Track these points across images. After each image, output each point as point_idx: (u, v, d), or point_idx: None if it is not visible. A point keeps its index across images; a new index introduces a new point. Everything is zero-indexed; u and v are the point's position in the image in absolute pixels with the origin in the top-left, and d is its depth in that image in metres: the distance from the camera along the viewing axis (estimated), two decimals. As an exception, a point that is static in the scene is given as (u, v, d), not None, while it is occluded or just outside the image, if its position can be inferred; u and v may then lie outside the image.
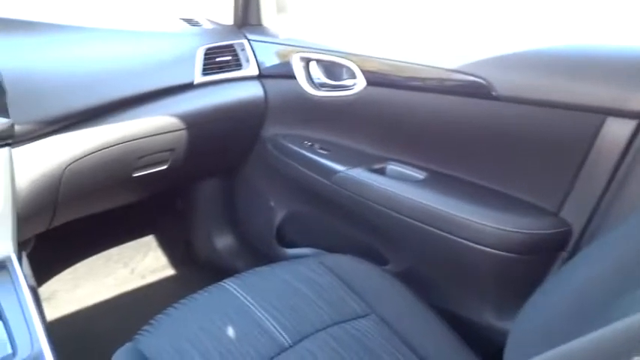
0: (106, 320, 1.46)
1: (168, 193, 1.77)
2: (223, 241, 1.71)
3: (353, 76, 1.23)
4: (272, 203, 1.52)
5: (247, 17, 1.48)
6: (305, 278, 1.00)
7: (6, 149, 0.94)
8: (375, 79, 1.19)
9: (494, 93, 0.99)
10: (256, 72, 1.40)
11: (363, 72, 1.20)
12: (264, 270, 1.05)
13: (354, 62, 1.22)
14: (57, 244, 1.44)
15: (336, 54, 1.25)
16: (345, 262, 1.07)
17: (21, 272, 0.91)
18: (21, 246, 1.01)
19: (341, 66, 1.26)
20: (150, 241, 1.78)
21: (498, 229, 0.97)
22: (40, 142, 1.00)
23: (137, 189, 1.38)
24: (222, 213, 1.71)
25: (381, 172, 1.20)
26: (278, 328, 0.88)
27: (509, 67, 1.00)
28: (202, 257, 1.73)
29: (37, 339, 0.80)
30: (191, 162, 1.36)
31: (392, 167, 1.21)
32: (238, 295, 0.95)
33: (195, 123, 1.27)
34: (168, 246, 1.78)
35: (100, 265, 1.65)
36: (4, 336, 0.81)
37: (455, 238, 1.02)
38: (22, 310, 0.84)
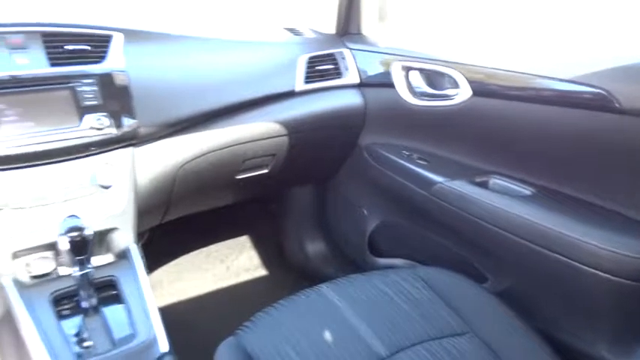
0: (205, 313, 1.55)
1: (264, 197, 1.84)
2: (314, 247, 1.74)
3: (456, 85, 1.20)
4: (365, 212, 1.52)
5: (348, 26, 1.50)
6: (400, 289, 0.99)
7: (130, 149, 1.03)
8: (482, 89, 1.15)
9: (617, 105, 0.91)
10: (357, 80, 1.42)
11: (469, 81, 1.16)
12: (360, 278, 1.05)
13: (458, 71, 1.19)
14: (165, 238, 1.55)
15: (439, 63, 1.23)
16: (441, 275, 1.04)
17: (140, 262, 0.99)
18: (137, 238, 1.10)
19: (443, 75, 1.23)
20: (245, 241, 1.85)
21: (616, 253, 0.90)
22: (159, 142, 1.09)
23: (239, 191, 1.45)
24: (315, 219, 1.74)
25: (484, 185, 1.16)
26: (374, 337, 0.87)
27: (634, 77, 0.93)
28: (293, 260, 1.78)
29: (153, 324, 0.86)
30: (290, 167, 1.40)
31: (495, 181, 1.16)
32: (335, 301, 0.96)
33: (296, 129, 1.31)
34: (262, 247, 1.85)
35: (200, 260, 1.75)
36: (126, 318, 0.89)
37: (565, 259, 0.96)
38: (140, 297, 0.92)
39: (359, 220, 1.53)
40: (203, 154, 1.16)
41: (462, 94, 1.18)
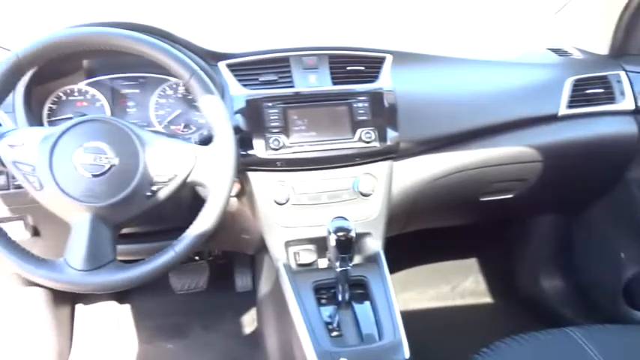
0: (427, 330, 1.56)
1: (499, 224, 1.76)
2: (551, 283, 1.60)
3: None
4: (622, 255, 1.34)
5: (627, 46, 1.34)
6: None
7: (389, 162, 1.11)
8: None
9: None
10: (632, 106, 1.26)
11: None
12: (617, 327, 0.93)
13: None
14: (396, 249, 1.62)
15: None
16: None
17: (386, 267, 1.06)
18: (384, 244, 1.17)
19: None
20: (472, 264, 1.81)
21: None
22: (415, 158, 1.15)
23: (479, 213, 1.43)
24: (555, 252, 1.60)
25: None
26: None
27: None
28: (524, 292, 1.67)
29: (398, 328, 0.92)
30: (538, 195, 1.32)
31: None
32: (585, 347, 0.87)
33: (552, 156, 1.23)
34: (490, 273, 1.78)
35: (426, 275, 1.78)
36: (372, 317, 0.97)
37: None
38: (388, 300, 0.98)
39: (614, 263, 1.35)
40: (453, 173, 1.18)
41: None
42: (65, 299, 1.56)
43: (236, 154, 0.88)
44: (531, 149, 1.21)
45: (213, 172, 0.86)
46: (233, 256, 1.73)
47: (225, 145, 0.87)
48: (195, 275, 1.66)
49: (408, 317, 1.62)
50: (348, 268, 0.94)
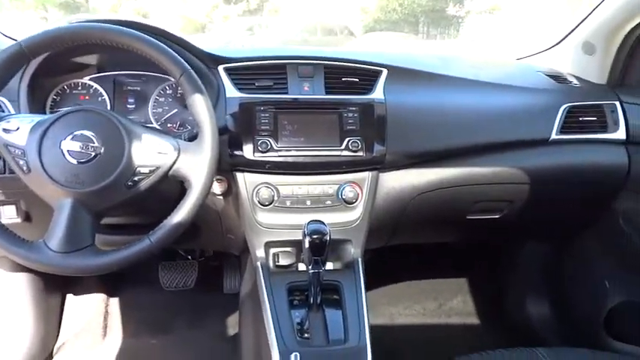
0: (410, 344, 1.57)
1: (491, 243, 1.76)
2: (538, 309, 1.59)
3: None
4: (607, 284, 1.33)
5: (625, 77, 1.35)
6: None
7: (375, 172, 1.13)
8: None
9: None
10: (624, 137, 1.26)
11: None
12: (586, 352, 0.93)
13: None
14: (385, 262, 1.63)
15: None
16: None
17: (363, 275, 1.08)
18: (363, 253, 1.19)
19: None
20: (462, 283, 1.81)
21: None
22: (402, 171, 1.16)
23: (466, 231, 1.43)
24: (543, 279, 1.59)
25: None
26: None
27: None
28: (510, 316, 1.66)
29: (364, 335, 0.93)
30: (525, 218, 1.32)
31: None
32: None
33: (540, 180, 1.24)
34: (478, 294, 1.78)
35: (414, 291, 1.78)
36: (341, 322, 0.98)
37: None
38: (358, 306, 1.00)
39: (598, 291, 1.34)
40: (439, 188, 1.19)
41: None
42: (55, 288, 1.60)
43: (217, 151, 0.91)
44: (520, 171, 1.22)
45: (194, 167, 0.89)
46: (224, 258, 1.75)
47: (207, 141, 0.90)
48: (185, 273, 1.69)
49: (392, 331, 1.64)
50: (321, 271, 0.96)
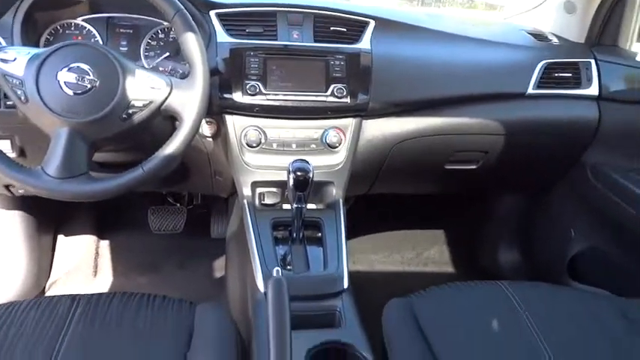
0: (388, 288, 1.65)
1: (468, 196, 1.84)
2: (508, 256, 1.69)
3: None
4: (572, 232, 1.42)
5: (602, 36, 1.40)
6: (591, 313, 0.92)
7: (359, 119, 1.18)
8: None
9: None
10: (596, 93, 1.32)
11: None
12: (549, 287, 1.02)
13: None
14: (367, 211, 1.70)
15: None
16: None
17: (343, 215, 1.14)
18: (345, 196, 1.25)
19: None
20: (440, 235, 1.90)
21: None
22: (384, 119, 1.22)
23: (444, 182, 1.50)
24: (515, 230, 1.69)
25: None
26: (546, 347, 0.85)
27: None
28: (483, 264, 1.76)
29: (342, 264, 1.00)
30: (500, 169, 1.39)
31: None
32: (512, 298, 0.96)
33: (515, 132, 1.30)
34: (454, 245, 1.87)
35: (394, 240, 1.87)
36: (321, 255, 1.06)
37: None
38: (338, 241, 1.07)
39: (564, 240, 1.44)
40: (418, 137, 1.25)
41: None
42: (47, 228, 1.65)
43: (208, 89, 0.95)
44: (496, 123, 1.28)
45: (186, 102, 0.93)
46: (212, 205, 1.81)
47: (199, 78, 0.94)
48: (173, 218, 1.75)
49: (371, 277, 1.73)
50: (303, 206, 1.02)
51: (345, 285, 0.99)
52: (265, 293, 0.83)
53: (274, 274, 0.73)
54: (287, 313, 0.68)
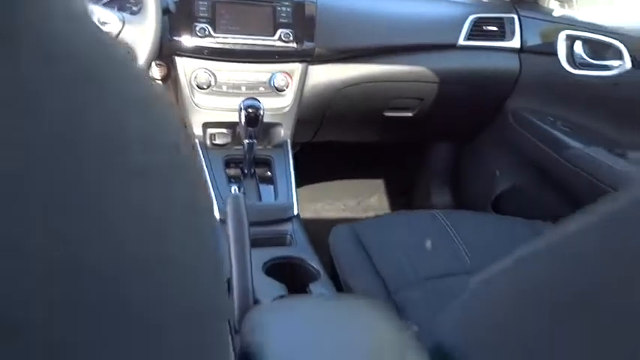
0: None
1: (404, 147, 1.97)
2: (439, 199, 1.84)
3: (620, 57, 1.19)
4: (497, 173, 1.58)
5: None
6: (516, 236, 1.06)
7: (305, 64, 1.25)
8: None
9: None
10: (518, 45, 1.46)
11: (631, 54, 1.15)
12: (479, 215, 1.15)
13: (623, 43, 1.18)
14: (311, 160, 1.78)
15: (607, 34, 1.22)
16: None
17: (291, 153, 1.22)
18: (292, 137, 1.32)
19: (609, 46, 1.23)
20: (379, 184, 2.02)
21: None
22: (329, 65, 1.29)
23: (384, 130, 1.61)
24: (446, 176, 1.84)
25: (625, 157, 1.15)
26: (467, 252, 0.97)
27: None
28: (417, 208, 1.90)
29: (292, 195, 1.08)
30: (434, 117, 1.52)
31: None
32: (444, 224, 1.08)
33: (448, 80, 1.42)
34: (392, 193, 2.00)
35: (336, 189, 1.97)
36: (272, 188, 1.13)
37: None
38: (287, 176, 1.15)
39: (490, 180, 1.59)
40: (360, 83, 1.34)
41: (623, 66, 1.17)
42: None
43: (160, 24, 0.98)
44: (430, 71, 1.40)
45: (138, 37, 0.96)
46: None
47: (151, 13, 0.97)
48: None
49: (315, 223, 1.81)
50: (254, 141, 1.08)
51: (295, 212, 1.07)
52: (222, 220, 0.89)
53: (232, 192, 0.79)
54: (246, 226, 0.74)
